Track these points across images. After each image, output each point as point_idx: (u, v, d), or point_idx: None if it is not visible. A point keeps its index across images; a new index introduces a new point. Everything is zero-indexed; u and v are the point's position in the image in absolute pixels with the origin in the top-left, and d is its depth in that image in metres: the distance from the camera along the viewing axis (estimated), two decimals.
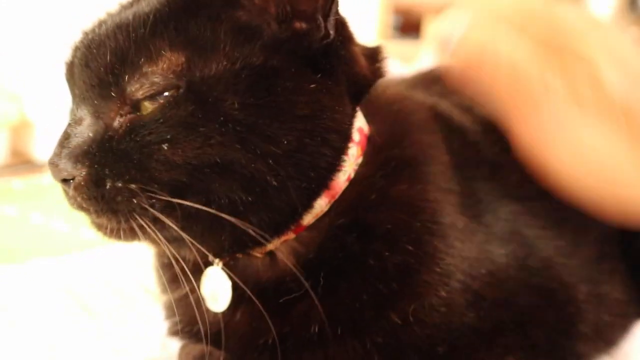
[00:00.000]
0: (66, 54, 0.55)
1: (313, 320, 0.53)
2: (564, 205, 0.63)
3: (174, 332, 0.63)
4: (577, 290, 0.62)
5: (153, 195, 0.48)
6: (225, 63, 0.48)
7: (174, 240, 0.51)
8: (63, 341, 0.68)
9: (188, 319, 0.61)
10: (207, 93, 0.48)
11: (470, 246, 0.56)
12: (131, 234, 0.51)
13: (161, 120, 0.48)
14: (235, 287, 0.56)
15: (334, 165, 0.52)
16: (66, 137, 0.50)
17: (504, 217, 0.61)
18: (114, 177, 0.48)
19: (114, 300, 0.80)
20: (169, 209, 0.49)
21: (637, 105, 0.44)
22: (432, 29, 0.48)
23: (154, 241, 0.51)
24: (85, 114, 0.51)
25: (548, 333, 0.59)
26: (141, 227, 0.49)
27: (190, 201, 0.48)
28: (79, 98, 0.52)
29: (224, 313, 0.57)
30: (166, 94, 0.48)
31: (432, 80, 0.74)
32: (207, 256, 0.54)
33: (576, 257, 0.65)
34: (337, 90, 0.52)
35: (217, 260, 0.56)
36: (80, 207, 0.51)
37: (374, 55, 0.57)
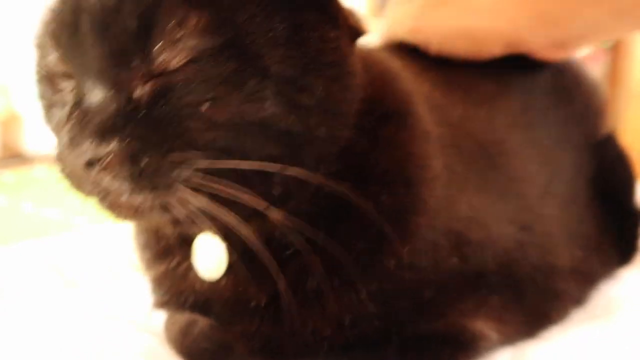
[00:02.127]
0: (51, 23, 0.49)
1: (311, 275, 0.52)
2: (539, 146, 0.70)
3: (160, 304, 0.62)
4: (551, 226, 0.65)
5: (194, 162, 0.45)
6: (258, 18, 0.47)
7: (202, 212, 0.48)
8: (49, 314, 0.68)
9: (174, 291, 0.60)
10: (246, 48, 0.46)
11: (450, 187, 0.57)
12: (161, 210, 0.47)
13: (200, 79, 0.45)
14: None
15: (352, 111, 0.52)
16: (83, 114, 0.45)
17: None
18: (150, 150, 0.45)
19: (101, 275, 0.80)
20: (209, 175, 0.46)
21: None
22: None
23: (177, 216, 0.48)
24: (100, 87, 0.46)
25: (529, 270, 0.61)
26: (180, 199, 0.46)
27: (230, 161, 0.46)
28: (89, 69, 0.46)
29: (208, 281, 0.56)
30: (201, 55, 0.45)
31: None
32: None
33: (549, 195, 0.67)
34: (345, 38, 0.53)
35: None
36: (106, 191, 0.46)
37: (350, 11, 0.57)
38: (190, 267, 0.56)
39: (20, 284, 0.77)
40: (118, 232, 0.87)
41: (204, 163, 0.45)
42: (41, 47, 0.52)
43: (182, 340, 0.59)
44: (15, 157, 2.71)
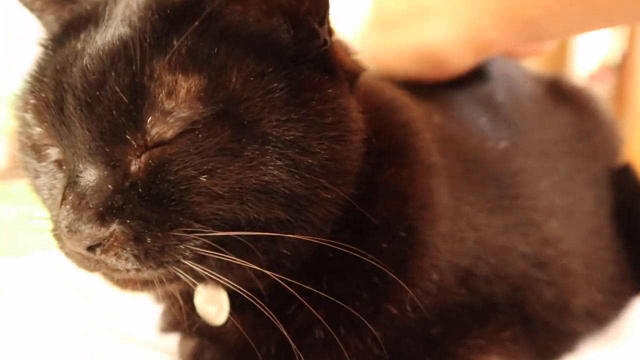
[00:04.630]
0: (31, 97, 0.48)
1: (316, 326, 0.53)
2: (560, 179, 0.68)
3: (165, 331, 0.63)
4: (572, 264, 0.63)
5: (198, 235, 0.45)
6: (253, 80, 0.46)
7: (208, 277, 0.48)
8: (60, 327, 0.69)
9: (178, 324, 0.61)
10: (242, 115, 0.45)
11: (457, 222, 0.57)
12: (168, 282, 0.47)
13: (195, 151, 0.44)
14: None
15: (355, 168, 0.51)
16: (79, 198, 0.44)
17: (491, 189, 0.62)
18: (153, 228, 0.44)
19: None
20: (215, 245, 0.45)
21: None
22: None
23: (187, 282, 0.48)
24: (94, 166, 0.45)
25: (542, 308, 0.60)
26: (187, 270, 0.46)
27: (234, 230, 0.45)
28: (80, 149, 0.45)
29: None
30: (194, 125, 0.44)
31: None
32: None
33: (571, 231, 0.66)
34: (345, 90, 0.52)
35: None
36: (111, 270, 0.46)
37: (346, 48, 0.57)
38: (193, 309, 0.57)
39: (32, 295, 0.77)
40: None
41: (208, 234, 0.45)
42: (22, 119, 0.50)
43: None
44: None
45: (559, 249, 0.64)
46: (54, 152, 0.50)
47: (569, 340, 0.63)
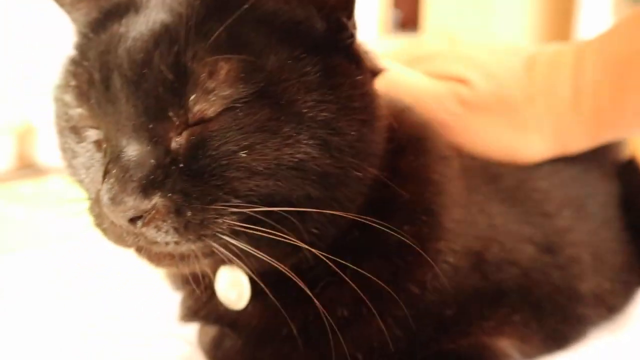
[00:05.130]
0: (73, 79, 0.49)
1: (340, 304, 0.53)
2: (568, 173, 0.69)
3: (185, 319, 0.63)
4: (581, 253, 0.64)
5: (236, 210, 0.46)
6: (289, 64, 0.47)
7: (244, 253, 0.48)
8: (70, 324, 0.69)
9: (199, 310, 0.61)
10: (279, 95, 0.46)
11: (470, 209, 0.59)
12: (205, 256, 0.48)
13: (236, 127, 0.45)
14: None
15: (380, 151, 0.53)
16: (123, 171, 0.44)
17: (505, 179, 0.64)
18: (194, 202, 0.45)
19: (120, 284, 0.79)
20: (251, 219, 0.46)
21: (501, 92, 0.60)
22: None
23: (218, 260, 0.49)
24: (137, 142, 0.46)
25: (551, 292, 0.61)
26: (224, 245, 0.46)
27: (269, 206, 0.46)
28: (124, 125, 0.46)
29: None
30: (235, 103, 0.46)
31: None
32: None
33: (582, 222, 0.67)
34: (370, 80, 0.54)
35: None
36: (151, 242, 0.46)
37: (365, 50, 0.59)
38: (214, 294, 0.57)
39: (30, 295, 0.77)
40: None
41: (246, 209, 0.46)
42: (61, 101, 0.52)
43: (214, 352, 0.60)
44: (31, 168, 2.75)
45: (568, 238, 0.65)
46: (92, 134, 0.51)
47: (578, 324, 0.63)
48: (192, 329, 0.64)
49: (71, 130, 0.52)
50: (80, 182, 0.53)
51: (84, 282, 0.82)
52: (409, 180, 0.57)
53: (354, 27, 0.52)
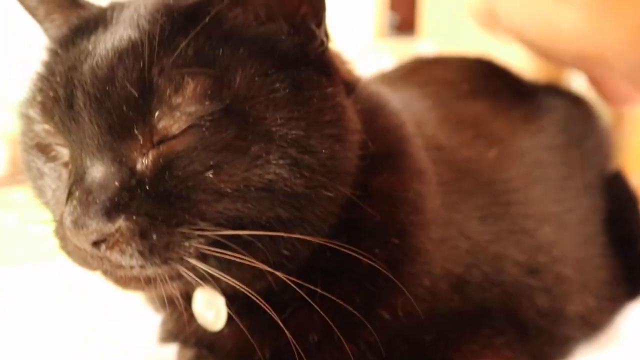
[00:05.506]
0: (39, 95, 0.49)
1: (311, 329, 0.53)
2: (553, 187, 0.68)
3: (164, 340, 0.63)
4: (565, 270, 0.64)
5: (203, 233, 0.45)
6: (257, 81, 0.47)
7: (210, 276, 0.48)
8: (55, 327, 0.70)
9: (178, 333, 0.61)
10: (247, 112, 0.46)
11: (448, 229, 0.57)
12: (171, 280, 0.47)
13: (202, 147, 0.45)
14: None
15: (353, 169, 0.52)
16: (86, 193, 0.44)
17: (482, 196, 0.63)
18: (160, 224, 0.44)
19: (112, 295, 0.80)
20: (219, 242, 0.46)
21: None
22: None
23: (186, 282, 0.48)
24: (101, 162, 0.45)
25: (535, 315, 0.60)
26: (191, 269, 0.46)
27: (237, 229, 0.46)
28: (88, 145, 0.46)
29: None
30: (201, 121, 0.45)
31: (410, 71, 0.77)
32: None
33: (564, 237, 0.66)
34: (341, 91, 0.53)
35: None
36: (115, 266, 0.46)
37: (340, 57, 0.57)
38: (192, 316, 0.57)
39: (31, 300, 0.78)
40: None
41: (213, 232, 0.45)
42: (27, 117, 0.51)
43: None
44: (23, 175, 2.73)
45: (551, 255, 0.64)
46: (62, 154, 0.50)
47: (563, 346, 0.63)
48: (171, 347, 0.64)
49: (37, 147, 0.51)
50: (46, 204, 0.52)
51: (85, 285, 0.82)
52: (382, 199, 0.55)
53: (325, 35, 0.51)
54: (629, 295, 0.75)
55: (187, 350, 0.61)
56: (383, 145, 0.57)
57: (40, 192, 0.53)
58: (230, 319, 0.55)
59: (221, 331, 0.56)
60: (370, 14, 3.39)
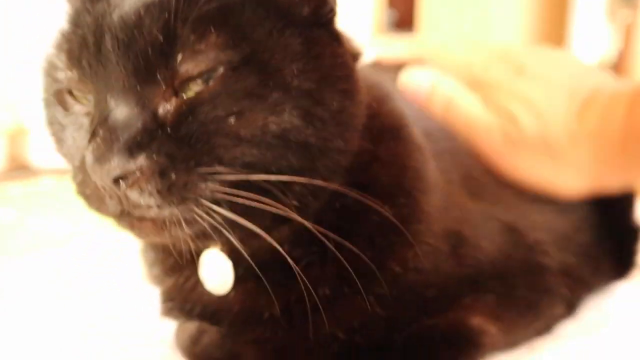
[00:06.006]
0: (65, 44, 0.50)
1: (323, 283, 0.54)
2: None
3: (168, 313, 0.64)
4: (543, 231, 0.68)
5: (220, 176, 0.47)
6: (274, 35, 0.49)
7: (226, 222, 0.48)
8: (58, 327, 0.69)
9: (182, 302, 0.61)
10: (266, 63, 0.48)
11: (447, 196, 0.61)
12: (186, 224, 0.48)
13: (225, 94, 0.46)
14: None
15: (360, 125, 0.54)
16: (110, 131, 0.45)
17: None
18: (178, 165, 0.46)
19: (108, 286, 0.82)
20: (235, 187, 0.47)
21: (546, 134, 0.58)
22: (404, 76, 0.58)
23: (200, 230, 0.48)
24: (125, 103, 0.47)
25: (518, 268, 0.64)
26: (207, 212, 0.47)
27: (254, 175, 0.47)
28: (113, 86, 0.47)
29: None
30: (222, 69, 0.47)
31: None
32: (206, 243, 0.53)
33: (542, 203, 0.69)
34: (349, 54, 0.55)
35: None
36: (133, 206, 0.46)
37: (347, 36, 0.59)
38: (198, 281, 0.58)
39: (30, 296, 0.78)
40: (124, 243, 0.87)
41: (230, 176, 0.46)
42: (52, 68, 0.53)
43: (192, 349, 0.60)
44: (22, 170, 2.73)
45: (532, 219, 0.68)
46: (80, 109, 0.51)
47: (547, 294, 0.66)
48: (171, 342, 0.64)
49: (58, 98, 0.52)
50: (67, 154, 0.53)
51: (84, 282, 0.84)
52: (389, 165, 0.58)
53: (334, 1, 0.54)
54: (618, 274, 0.78)
55: (188, 325, 0.62)
56: (387, 119, 0.61)
57: (62, 144, 0.54)
58: (236, 282, 0.56)
59: (227, 295, 0.57)
60: (369, 11, 3.40)
